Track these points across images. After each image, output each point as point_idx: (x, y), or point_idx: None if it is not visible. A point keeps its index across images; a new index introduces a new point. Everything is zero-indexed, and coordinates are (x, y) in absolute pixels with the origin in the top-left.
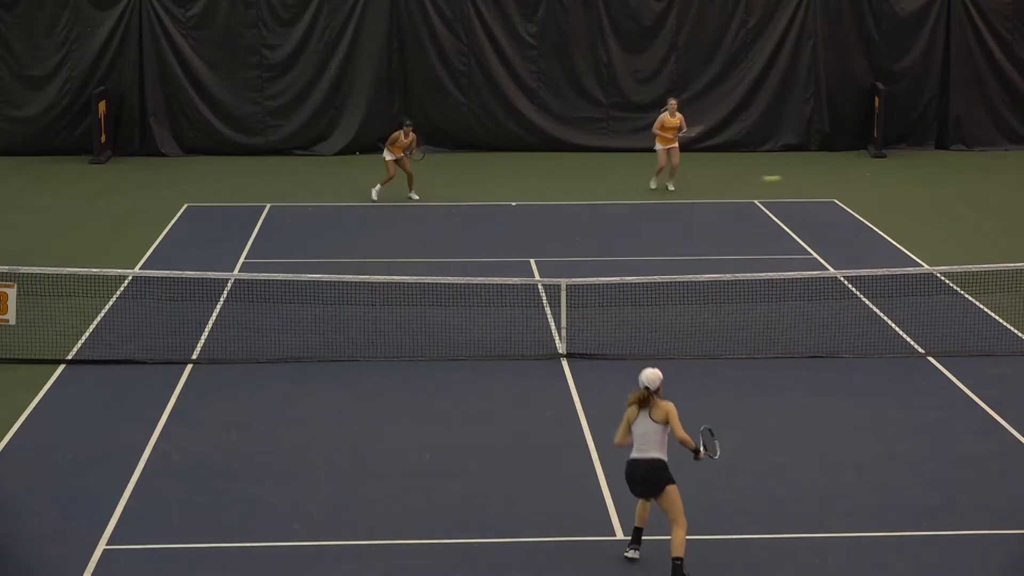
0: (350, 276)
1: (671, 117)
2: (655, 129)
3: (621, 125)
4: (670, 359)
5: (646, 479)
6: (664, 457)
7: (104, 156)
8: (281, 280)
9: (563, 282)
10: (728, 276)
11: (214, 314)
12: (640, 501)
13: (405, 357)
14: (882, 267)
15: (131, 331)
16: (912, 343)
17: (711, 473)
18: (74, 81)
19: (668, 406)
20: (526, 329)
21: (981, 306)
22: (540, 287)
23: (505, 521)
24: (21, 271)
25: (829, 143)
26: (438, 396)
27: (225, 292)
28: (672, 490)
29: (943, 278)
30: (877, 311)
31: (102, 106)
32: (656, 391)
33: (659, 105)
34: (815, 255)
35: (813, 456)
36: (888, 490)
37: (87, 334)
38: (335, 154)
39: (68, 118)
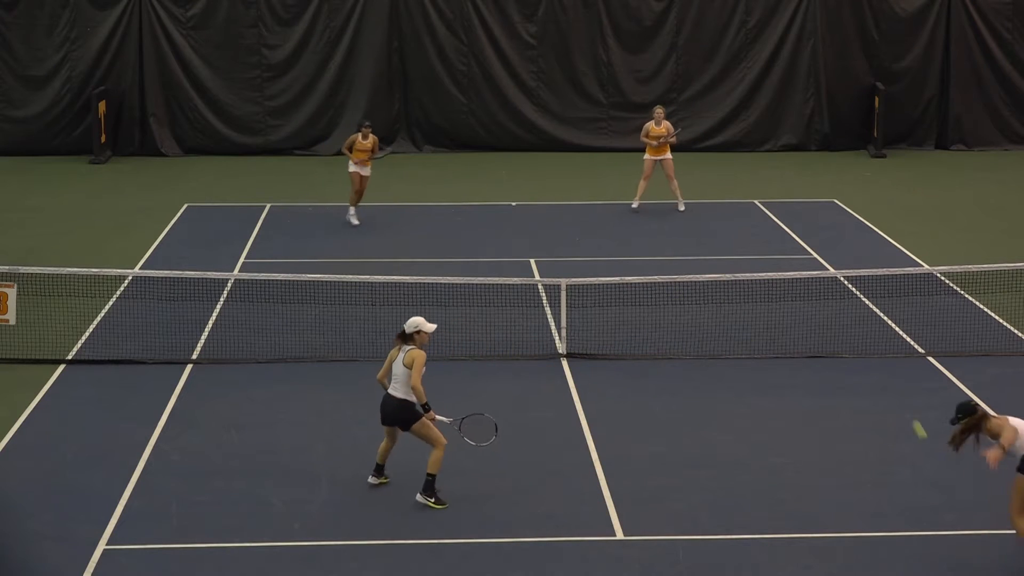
0: (350, 276)
1: (656, 126)
2: (642, 137)
3: (621, 125)
4: (670, 359)
5: (391, 415)
6: (410, 398)
7: (104, 156)
8: (281, 280)
9: (563, 282)
10: (728, 276)
11: (214, 314)
12: (385, 441)
13: None
14: (882, 267)
15: (131, 331)
16: (912, 343)
17: (711, 473)
18: (74, 81)
19: (416, 354)
20: (526, 329)
21: (981, 306)
22: (540, 287)
23: (505, 521)
24: (21, 271)
25: (829, 143)
26: (438, 396)
27: (225, 292)
28: (420, 424)
29: (943, 278)
30: (877, 311)
31: (102, 106)
32: (413, 336)
33: (659, 105)
34: (815, 255)
35: (813, 456)
36: (888, 490)
37: (87, 334)
38: (335, 154)
39: (68, 118)
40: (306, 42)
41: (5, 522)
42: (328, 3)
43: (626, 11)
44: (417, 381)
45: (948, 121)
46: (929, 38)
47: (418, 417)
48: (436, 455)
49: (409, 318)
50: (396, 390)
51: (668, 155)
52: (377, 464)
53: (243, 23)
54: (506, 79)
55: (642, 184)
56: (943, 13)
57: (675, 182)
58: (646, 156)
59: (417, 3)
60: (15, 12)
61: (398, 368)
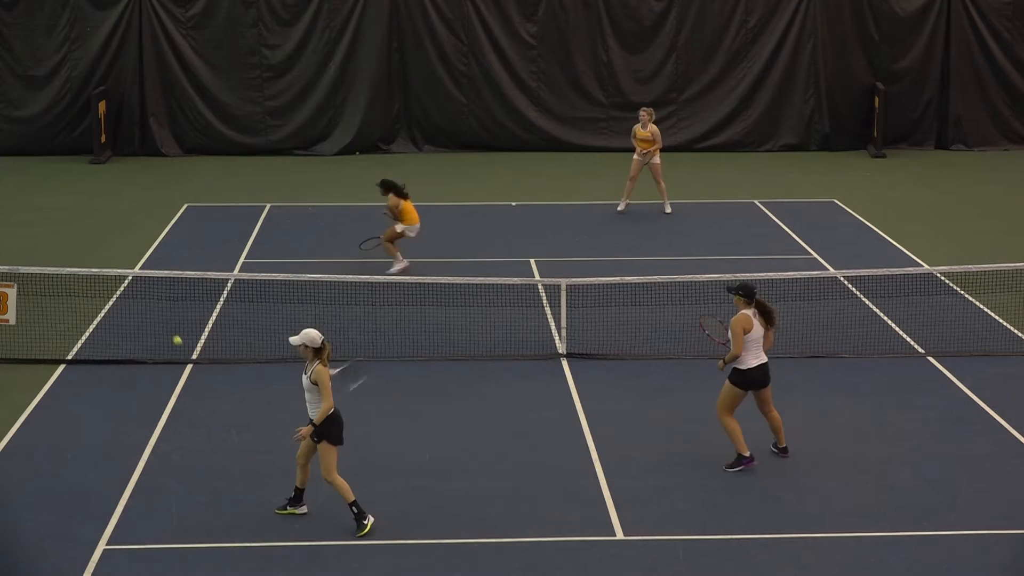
0: (350, 276)
1: (642, 129)
2: (632, 139)
3: (621, 125)
4: (670, 359)
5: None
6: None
7: (104, 156)
8: (281, 280)
9: (563, 282)
10: (728, 276)
11: (214, 314)
12: (300, 464)
13: (405, 357)
14: (882, 267)
15: (131, 331)
16: (912, 343)
17: (711, 473)
18: (74, 81)
19: (322, 370)
20: (526, 329)
21: (981, 306)
22: (540, 287)
23: (505, 521)
24: (21, 271)
25: (829, 143)
26: (438, 396)
27: (225, 292)
28: (322, 448)
29: (943, 278)
30: (877, 311)
31: (102, 106)
32: (319, 350)
33: (659, 105)
34: (815, 255)
35: (813, 456)
36: (888, 490)
37: (87, 334)
38: (335, 154)
39: (68, 118)
40: (306, 42)
41: (5, 522)
42: (328, 3)
43: (626, 11)
44: (329, 399)
45: (948, 121)
46: (929, 38)
47: (318, 440)
48: (339, 484)
49: (304, 329)
50: (309, 409)
51: (656, 158)
52: (298, 489)
53: (243, 23)
54: (506, 79)
55: (628, 185)
56: (943, 13)
57: (663, 184)
58: (635, 156)
59: (417, 3)
60: (15, 12)
61: (305, 383)
